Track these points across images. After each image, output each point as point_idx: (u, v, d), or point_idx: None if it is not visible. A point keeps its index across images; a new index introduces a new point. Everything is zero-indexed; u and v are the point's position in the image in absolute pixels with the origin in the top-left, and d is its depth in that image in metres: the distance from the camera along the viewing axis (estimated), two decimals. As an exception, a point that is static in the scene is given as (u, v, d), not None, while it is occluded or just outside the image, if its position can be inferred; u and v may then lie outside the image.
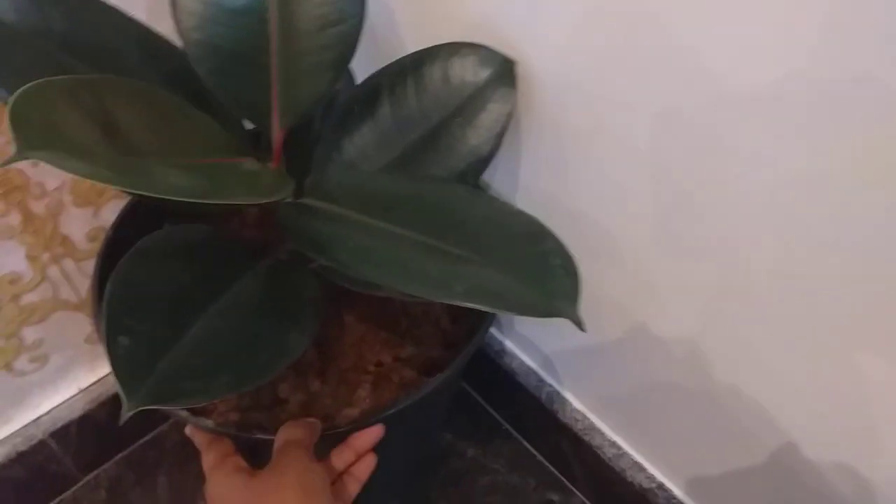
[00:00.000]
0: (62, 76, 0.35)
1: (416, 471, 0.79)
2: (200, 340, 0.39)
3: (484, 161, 0.50)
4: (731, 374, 0.54)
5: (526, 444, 0.81)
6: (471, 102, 0.50)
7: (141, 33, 0.48)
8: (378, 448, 0.62)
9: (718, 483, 0.62)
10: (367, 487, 0.72)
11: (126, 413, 0.36)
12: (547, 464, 0.80)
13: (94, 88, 0.37)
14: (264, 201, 0.39)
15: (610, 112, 0.48)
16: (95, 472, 0.79)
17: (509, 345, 0.76)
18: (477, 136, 0.49)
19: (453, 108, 0.50)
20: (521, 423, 0.81)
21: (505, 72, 0.50)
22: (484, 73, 0.50)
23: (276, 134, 0.46)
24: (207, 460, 0.49)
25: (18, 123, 0.30)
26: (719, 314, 0.51)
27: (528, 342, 0.74)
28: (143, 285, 0.40)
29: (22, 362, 0.67)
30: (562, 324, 0.64)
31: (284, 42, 0.45)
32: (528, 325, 0.72)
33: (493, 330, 0.77)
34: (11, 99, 0.31)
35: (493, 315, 0.56)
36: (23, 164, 0.56)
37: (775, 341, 0.48)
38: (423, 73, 0.50)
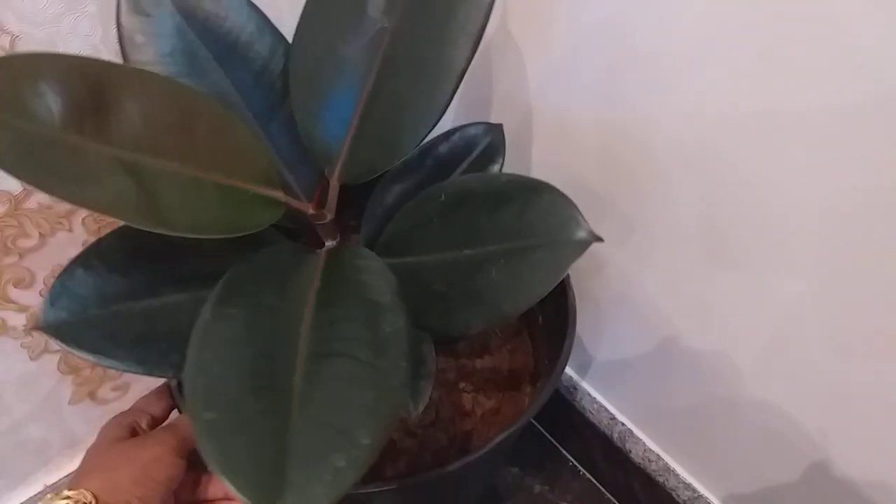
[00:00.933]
0: (58, 53, 0.36)
1: (483, 502, 0.78)
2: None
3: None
4: (817, 417, 0.53)
5: (595, 481, 0.80)
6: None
7: (259, 18, 0.48)
8: (446, 489, 0.62)
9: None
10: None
11: None
12: (616, 502, 0.78)
13: (94, 73, 0.36)
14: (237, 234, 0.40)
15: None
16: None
17: (580, 381, 0.75)
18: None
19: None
20: (590, 460, 0.80)
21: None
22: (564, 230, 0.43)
23: (333, 185, 0.45)
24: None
25: None
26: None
27: (601, 380, 0.73)
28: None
29: (105, 391, 0.68)
30: (636, 363, 0.64)
31: (369, 104, 0.44)
32: (601, 363, 0.72)
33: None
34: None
35: (572, 343, 0.56)
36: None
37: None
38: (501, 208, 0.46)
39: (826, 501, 0.56)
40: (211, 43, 0.46)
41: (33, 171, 0.33)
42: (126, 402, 0.71)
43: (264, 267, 0.43)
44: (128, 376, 0.69)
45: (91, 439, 0.70)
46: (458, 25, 0.39)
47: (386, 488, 0.50)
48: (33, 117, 0.34)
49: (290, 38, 0.46)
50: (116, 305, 0.44)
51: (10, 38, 0.45)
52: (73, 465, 0.70)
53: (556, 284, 0.41)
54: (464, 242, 0.45)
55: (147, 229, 0.36)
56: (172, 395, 0.54)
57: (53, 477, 0.70)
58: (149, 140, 0.38)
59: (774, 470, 0.59)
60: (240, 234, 0.41)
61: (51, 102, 0.35)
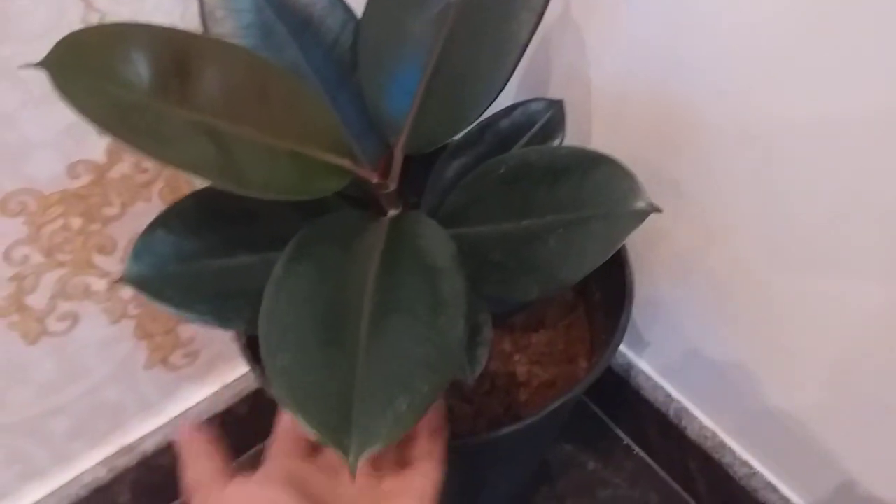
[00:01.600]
0: (147, 24, 0.38)
1: (536, 477, 0.80)
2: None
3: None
4: (876, 389, 0.52)
5: (649, 459, 0.81)
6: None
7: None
8: (500, 459, 0.64)
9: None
10: (492, 492, 0.74)
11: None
12: (670, 480, 0.79)
13: (179, 43, 0.38)
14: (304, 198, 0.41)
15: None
16: (234, 465, 0.84)
17: (637, 360, 0.76)
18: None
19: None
20: (644, 438, 0.80)
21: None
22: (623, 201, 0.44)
23: (397, 155, 0.47)
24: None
25: (64, 40, 0.34)
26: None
27: (657, 358, 0.74)
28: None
29: (176, 357, 0.72)
30: (692, 333, 0.64)
31: (434, 77, 0.46)
32: (658, 342, 0.72)
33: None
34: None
35: (629, 318, 0.56)
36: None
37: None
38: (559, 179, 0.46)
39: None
40: (286, 18, 0.48)
41: (125, 132, 0.36)
42: (196, 369, 0.74)
43: (331, 230, 0.45)
44: (198, 343, 0.73)
45: (164, 405, 0.74)
46: (521, 1, 0.41)
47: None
48: (124, 83, 0.37)
49: (359, 14, 0.48)
50: (193, 263, 0.47)
51: (98, 15, 0.48)
52: (145, 428, 0.74)
53: (612, 253, 0.42)
54: (522, 213, 0.47)
55: (224, 188, 0.39)
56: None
57: (128, 439, 0.74)
58: (227, 107, 0.40)
59: (833, 447, 0.59)
60: (309, 198, 0.43)
61: (140, 69, 0.38)
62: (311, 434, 0.34)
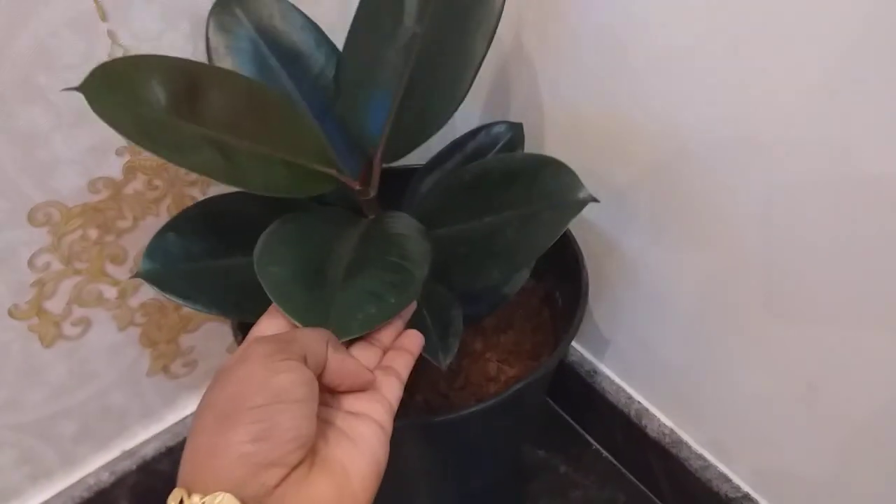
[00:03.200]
0: (164, 56, 0.46)
1: (510, 479, 0.85)
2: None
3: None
4: (809, 374, 0.59)
5: (615, 462, 0.87)
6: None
7: (318, 34, 0.58)
8: (473, 450, 0.70)
9: (808, 493, 0.66)
10: (468, 492, 0.79)
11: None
12: (636, 481, 0.85)
13: (190, 72, 0.46)
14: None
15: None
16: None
17: (599, 365, 0.82)
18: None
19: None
20: (610, 441, 0.86)
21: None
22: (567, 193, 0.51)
23: (376, 165, 0.55)
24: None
25: (97, 68, 0.42)
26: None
27: (618, 362, 0.80)
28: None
29: (177, 366, 0.78)
30: (650, 337, 0.71)
31: (405, 95, 0.54)
32: (618, 346, 0.79)
33: (583, 350, 0.84)
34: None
35: (583, 312, 0.63)
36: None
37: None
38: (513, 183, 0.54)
39: (844, 470, 0.62)
40: (279, 53, 0.57)
41: (148, 142, 0.44)
42: (195, 378, 0.80)
43: (319, 217, 0.53)
44: (196, 353, 0.79)
45: (163, 413, 0.80)
46: (474, 27, 0.49)
47: (412, 422, 0.59)
48: (146, 103, 0.45)
49: (341, 48, 0.57)
50: (199, 262, 0.55)
51: (122, 50, 0.56)
52: (146, 434, 0.80)
53: (558, 237, 0.50)
54: (484, 212, 0.54)
55: (229, 185, 0.46)
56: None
57: (130, 444, 0.79)
58: (230, 124, 0.48)
59: (781, 442, 0.65)
60: (301, 196, 0.51)
61: (158, 92, 0.46)
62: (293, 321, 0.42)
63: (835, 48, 0.45)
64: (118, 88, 0.45)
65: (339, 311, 0.42)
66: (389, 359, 0.45)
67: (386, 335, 0.46)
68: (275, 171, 0.50)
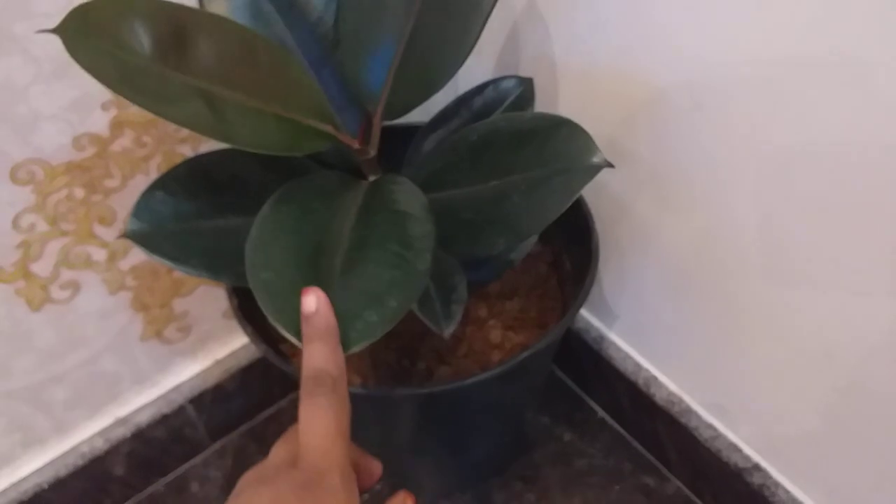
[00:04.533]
0: None
1: (514, 448, 0.83)
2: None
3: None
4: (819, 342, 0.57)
5: (622, 430, 0.84)
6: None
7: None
8: (477, 419, 0.68)
9: (818, 462, 0.64)
10: (470, 460, 0.78)
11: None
12: (642, 449, 0.83)
13: (177, 16, 0.42)
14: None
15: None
16: (222, 441, 0.87)
17: (608, 332, 0.80)
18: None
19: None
20: (617, 409, 0.84)
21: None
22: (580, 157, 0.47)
23: (376, 122, 0.51)
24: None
25: (75, 9, 0.39)
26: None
27: (626, 329, 0.78)
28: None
29: (170, 331, 0.76)
30: (659, 304, 0.68)
31: (408, 48, 0.51)
32: (626, 312, 0.77)
33: (591, 317, 0.81)
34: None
35: (594, 278, 0.61)
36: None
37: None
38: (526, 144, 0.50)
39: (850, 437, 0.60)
40: (275, -2, 0.53)
41: (130, 92, 0.40)
42: (188, 344, 0.78)
43: (316, 184, 0.50)
44: (191, 318, 0.76)
45: (158, 378, 0.78)
46: (484, -25, 0.46)
47: (416, 392, 0.57)
48: (129, 49, 0.41)
49: (341, -6, 0.53)
50: (189, 222, 0.52)
51: (103, -5, 0.52)
52: (140, 400, 0.78)
53: (569, 204, 0.47)
54: (490, 175, 0.51)
55: (217, 141, 0.43)
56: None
57: (123, 410, 0.77)
58: (219, 73, 0.44)
59: (794, 411, 0.63)
60: (294, 155, 0.47)
61: (142, 37, 0.42)
62: (287, 336, 0.38)
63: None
64: (99, 32, 0.41)
65: (337, 320, 0.39)
66: None
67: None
68: (267, 127, 0.46)
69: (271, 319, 0.39)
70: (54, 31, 0.40)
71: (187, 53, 0.44)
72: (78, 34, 0.40)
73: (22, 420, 0.70)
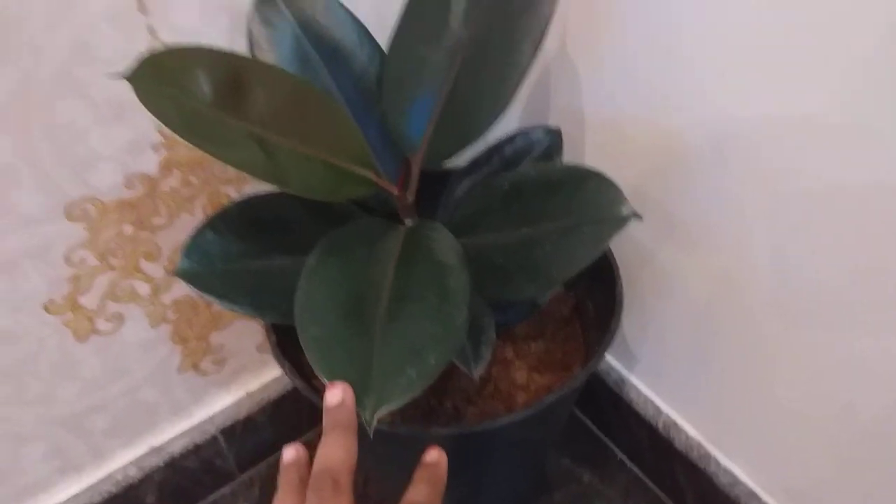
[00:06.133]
0: (211, 47, 0.45)
1: (535, 488, 0.84)
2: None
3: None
4: (842, 390, 0.58)
5: (640, 473, 0.85)
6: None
7: (361, 32, 0.58)
8: (500, 459, 0.69)
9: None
10: (491, 499, 0.79)
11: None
12: (661, 493, 0.83)
13: (236, 65, 0.46)
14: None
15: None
16: (251, 472, 0.89)
17: (629, 375, 0.82)
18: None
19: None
20: (636, 452, 0.85)
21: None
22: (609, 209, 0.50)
23: (415, 170, 0.55)
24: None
25: (145, 58, 0.42)
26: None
27: (647, 373, 0.79)
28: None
29: (206, 363, 0.78)
30: (680, 349, 0.70)
31: (448, 100, 0.53)
32: (647, 356, 0.78)
33: (612, 360, 0.83)
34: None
35: (618, 323, 0.62)
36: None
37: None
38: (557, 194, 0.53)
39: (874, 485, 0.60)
40: (321, 49, 0.56)
41: (192, 135, 0.44)
42: (223, 376, 0.80)
43: (357, 232, 0.52)
44: (226, 351, 0.79)
45: (192, 409, 0.80)
46: (522, 33, 0.49)
47: (450, 432, 0.59)
48: (192, 95, 0.45)
49: (385, 49, 0.56)
50: (236, 262, 0.54)
51: (161, 44, 0.56)
52: (175, 430, 0.80)
53: (599, 255, 0.49)
54: (522, 222, 0.54)
55: (269, 184, 0.46)
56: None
57: (158, 440, 0.79)
58: (272, 120, 0.48)
59: (815, 460, 0.64)
60: (339, 200, 0.50)
61: (204, 85, 0.45)
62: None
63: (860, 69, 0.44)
64: (165, 79, 0.44)
65: (379, 376, 0.42)
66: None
67: None
68: (314, 172, 0.49)
69: (321, 376, 0.41)
70: (126, 77, 0.43)
71: (244, 100, 0.47)
72: (147, 81, 0.44)
73: (63, 447, 0.72)
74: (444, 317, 0.45)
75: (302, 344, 0.43)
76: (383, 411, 0.41)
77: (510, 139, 0.64)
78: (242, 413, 0.83)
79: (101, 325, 0.67)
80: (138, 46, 0.55)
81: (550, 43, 0.67)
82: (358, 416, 0.41)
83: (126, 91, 0.43)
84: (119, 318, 0.68)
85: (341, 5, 0.57)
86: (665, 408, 0.78)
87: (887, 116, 0.45)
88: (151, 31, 0.55)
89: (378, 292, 0.47)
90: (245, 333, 0.80)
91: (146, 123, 0.59)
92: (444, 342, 0.44)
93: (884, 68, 0.44)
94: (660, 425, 0.78)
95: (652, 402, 0.79)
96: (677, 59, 0.57)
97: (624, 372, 0.82)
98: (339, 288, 0.47)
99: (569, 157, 0.64)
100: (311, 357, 0.42)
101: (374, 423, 0.41)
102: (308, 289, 0.46)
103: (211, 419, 0.82)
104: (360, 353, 0.43)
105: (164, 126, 0.45)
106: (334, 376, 0.42)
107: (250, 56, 0.55)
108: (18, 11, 0.49)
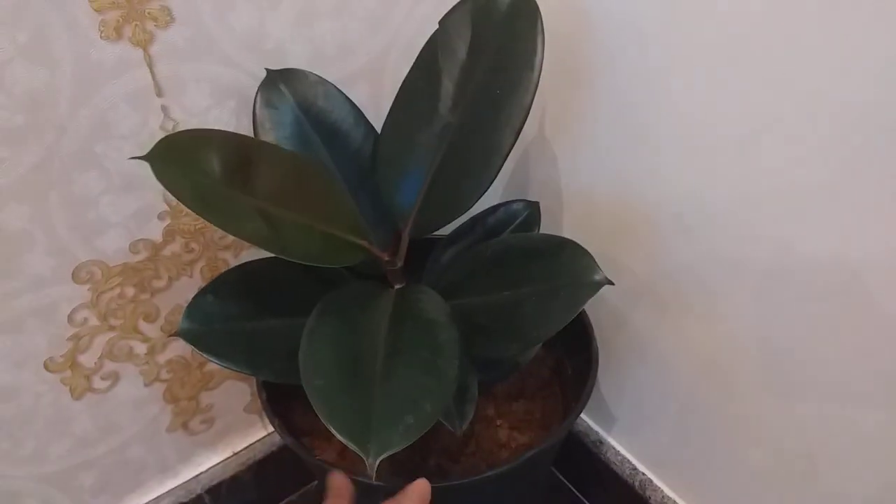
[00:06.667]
0: (220, 130, 0.50)
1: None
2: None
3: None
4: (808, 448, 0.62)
5: (618, 533, 0.88)
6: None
7: (356, 114, 0.63)
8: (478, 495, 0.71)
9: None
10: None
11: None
12: (639, 553, 0.86)
13: (243, 146, 0.51)
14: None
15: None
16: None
17: (606, 436, 0.85)
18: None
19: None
20: (614, 511, 0.88)
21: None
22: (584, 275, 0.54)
23: (404, 238, 0.59)
24: None
25: (162, 140, 0.46)
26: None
27: (624, 433, 0.83)
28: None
29: (195, 423, 0.80)
30: (655, 410, 0.73)
31: (435, 177, 0.58)
32: (624, 417, 0.81)
33: (590, 420, 0.86)
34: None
35: (594, 383, 0.66)
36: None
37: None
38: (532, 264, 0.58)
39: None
40: (320, 130, 0.61)
41: (203, 209, 0.48)
42: (210, 436, 0.82)
43: (351, 295, 0.56)
44: (215, 411, 0.81)
45: (179, 468, 0.82)
46: (504, 120, 0.54)
47: (435, 485, 0.61)
48: (204, 173, 0.49)
49: (378, 129, 0.61)
50: (234, 323, 0.58)
51: (173, 123, 0.60)
52: (161, 489, 0.81)
53: (574, 316, 0.53)
54: (504, 286, 0.58)
55: (273, 253, 0.50)
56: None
57: (145, 498, 0.81)
58: (276, 195, 0.52)
59: None
60: (335, 266, 0.54)
61: (214, 164, 0.50)
62: (340, 439, 0.43)
63: (838, 153, 0.49)
64: (180, 158, 0.49)
65: (379, 423, 0.45)
66: None
67: None
68: (313, 241, 0.53)
69: (325, 421, 0.44)
70: (145, 158, 0.47)
71: (250, 178, 0.51)
72: (163, 160, 0.48)
73: (51, 503, 0.73)
74: (437, 369, 0.49)
75: (307, 394, 0.46)
76: (385, 455, 0.44)
77: (492, 210, 0.69)
78: (228, 472, 0.85)
79: (97, 383, 0.69)
80: (152, 124, 0.60)
81: (530, 127, 0.73)
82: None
83: (138, 164, 0.47)
84: (115, 377, 0.70)
85: (339, 91, 0.63)
86: (641, 467, 0.81)
87: (847, 192, 0.50)
88: (165, 111, 0.59)
89: (374, 347, 0.51)
90: (233, 394, 0.82)
91: (153, 194, 0.63)
92: (438, 392, 0.48)
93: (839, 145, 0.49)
94: (636, 484, 0.81)
95: (629, 462, 0.82)
96: (643, 143, 0.62)
97: (602, 433, 0.85)
98: (339, 345, 0.50)
99: (546, 227, 0.69)
100: (316, 405, 0.45)
101: (377, 466, 0.44)
102: (309, 346, 0.49)
103: (197, 478, 0.83)
104: (361, 402, 0.46)
105: (170, 196, 0.49)
106: (337, 423, 0.45)
107: (254, 136, 0.60)
108: (46, 92, 0.53)
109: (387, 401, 0.46)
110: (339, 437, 0.44)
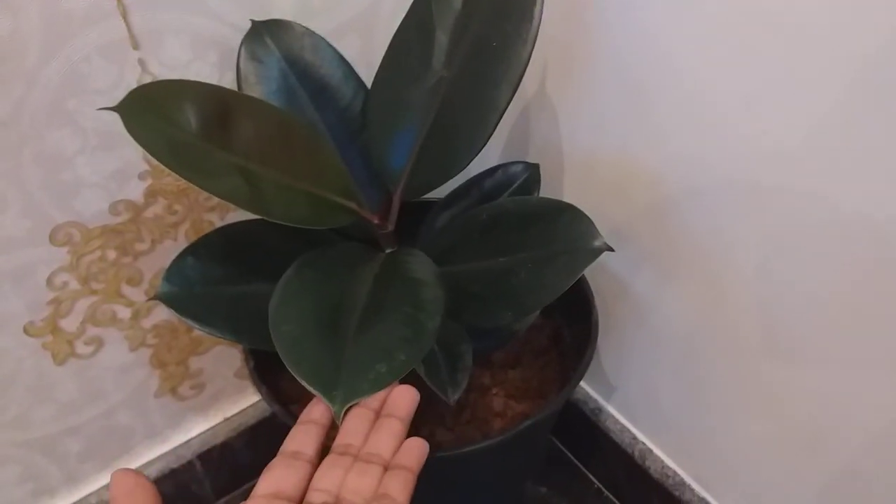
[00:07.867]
0: (198, 82, 0.47)
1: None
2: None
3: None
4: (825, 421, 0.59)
5: (617, 502, 0.86)
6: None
7: (346, 69, 0.60)
8: (477, 486, 0.70)
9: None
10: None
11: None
12: (637, 522, 0.84)
13: (222, 98, 0.48)
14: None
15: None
16: (226, 498, 0.89)
17: (605, 405, 0.83)
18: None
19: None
20: (613, 481, 0.86)
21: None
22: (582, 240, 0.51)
23: (396, 201, 0.56)
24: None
25: (134, 90, 0.43)
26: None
27: (624, 402, 0.81)
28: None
29: (184, 388, 0.78)
30: (655, 378, 0.71)
31: (428, 136, 0.55)
32: (625, 386, 0.79)
33: (589, 389, 0.84)
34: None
35: (593, 351, 0.64)
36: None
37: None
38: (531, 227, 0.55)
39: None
40: (307, 85, 0.58)
41: (178, 165, 0.45)
42: (200, 401, 0.81)
43: (337, 253, 0.54)
44: (205, 376, 0.79)
45: (168, 433, 0.80)
46: (501, 74, 0.50)
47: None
48: (178, 126, 0.46)
49: (369, 85, 0.58)
50: (216, 287, 0.55)
51: (151, 77, 0.57)
52: (150, 454, 0.80)
53: (572, 283, 0.51)
54: (499, 252, 0.55)
55: (253, 213, 0.47)
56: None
57: (134, 464, 0.79)
58: (257, 151, 0.49)
59: (790, 490, 0.65)
60: (320, 227, 0.52)
61: (190, 116, 0.47)
62: (305, 385, 0.42)
63: (847, 110, 0.46)
64: (152, 110, 0.46)
65: (349, 371, 0.42)
66: (386, 484, 0.45)
67: (375, 398, 0.49)
68: (297, 202, 0.51)
69: (290, 368, 0.42)
70: (114, 108, 0.44)
71: (230, 132, 0.48)
72: (134, 112, 0.45)
73: (36, 470, 0.72)
74: (417, 323, 0.47)
75: (273, 339, 0.44)
76: (352, 403, 0.42)
77: (490, 172, 0.66)
78: (219, 438, 0.83)
79: (80, 348, 0.67)
80: (129, 79, 0.56)
81: (530, 84, 0.70)
82: None
83: (115, 121, 0.44)
84: (98, 342, 0.68)
85: (327, 43, 0.59)
86: (641, 436, 0.80)
87: (859, 151, 0.47)
88: (142, 64, 0.56)
89: (353, 303, 0.48)
90: (224, 359, 0.80)
91: (133, 153, 0.60)
92: (415, 342, 0.45)
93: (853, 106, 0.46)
94: (636, 454, 0.79)
95: (628, 431, 0.80)
96: (646, 101, 0.59)
97: (601, 401, 0.83)
98: (315, 296, 0.48)
99: (547, 191, 0.66)
100: (282, 350, 0.43)
101: (343, 415, 0.42)
102: (284, 293, 0.47)
103: (187, 444, 0.82)
104: (331, 349, 0.44)
105: (150, 156, 0.46)
106: (303, 370, 0.42)
107: (238, 90, 0.57)
108: (11, 41, 0.50)
109: (359, 349, 0.44)
110: (304, 383, 0.42)
